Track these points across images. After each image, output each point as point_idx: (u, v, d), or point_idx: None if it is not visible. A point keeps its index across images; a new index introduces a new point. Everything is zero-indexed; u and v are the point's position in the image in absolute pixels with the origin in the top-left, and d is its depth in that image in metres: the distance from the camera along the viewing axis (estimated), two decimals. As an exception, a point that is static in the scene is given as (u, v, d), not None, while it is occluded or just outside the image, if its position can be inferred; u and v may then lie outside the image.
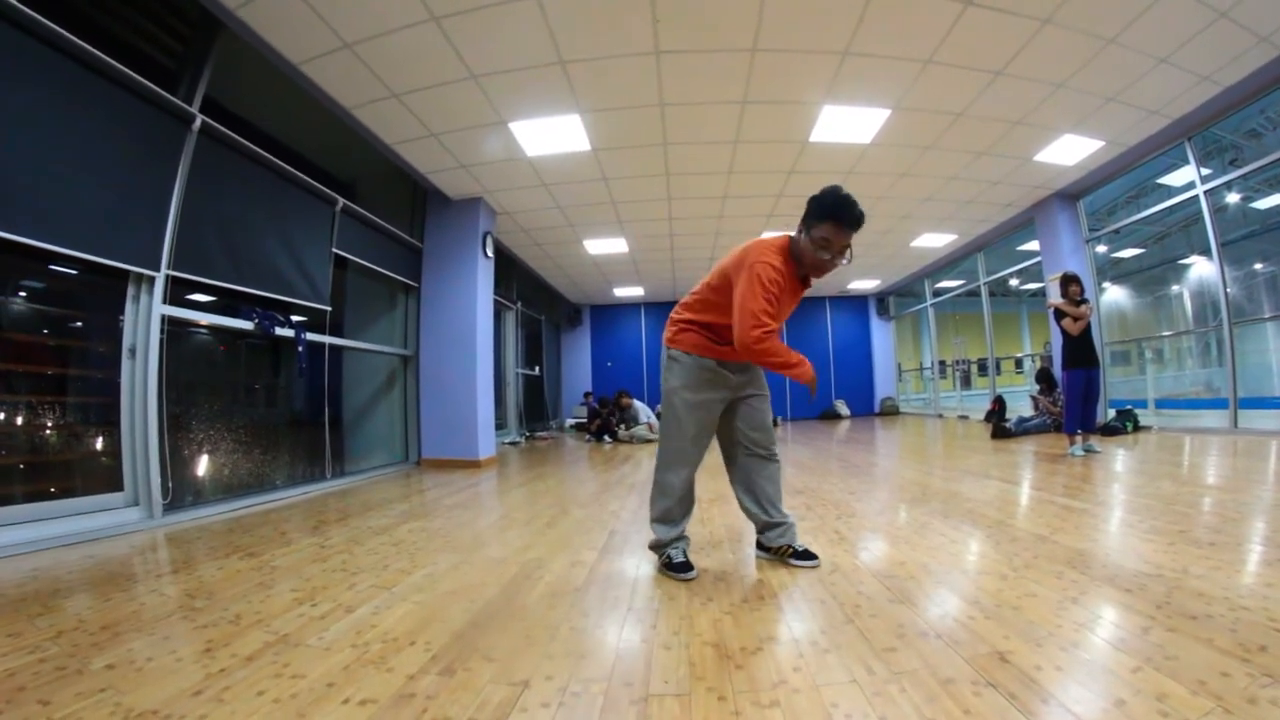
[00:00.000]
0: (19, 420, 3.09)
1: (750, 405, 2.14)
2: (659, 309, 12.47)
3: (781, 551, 2.11)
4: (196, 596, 1.96)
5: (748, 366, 2.11)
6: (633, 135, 4.93)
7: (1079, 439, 4.64)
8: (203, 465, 3.94)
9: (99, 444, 3.31)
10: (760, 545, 2.19)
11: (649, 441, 7.79)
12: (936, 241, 8.55)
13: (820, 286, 11.69)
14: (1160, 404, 7.66)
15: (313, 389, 4.98)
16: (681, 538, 2.14)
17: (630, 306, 12.72)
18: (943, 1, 3.40)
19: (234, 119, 4.00)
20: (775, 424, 2.12)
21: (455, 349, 5.97)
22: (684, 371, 2.07)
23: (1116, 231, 7.42)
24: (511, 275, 9.02)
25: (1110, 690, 1.13)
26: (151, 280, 3.29)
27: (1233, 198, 8.54)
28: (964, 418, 9.87)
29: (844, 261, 1.92)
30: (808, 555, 2.09)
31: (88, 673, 1.38)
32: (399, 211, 6.19)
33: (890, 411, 12.34)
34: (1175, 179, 7.03)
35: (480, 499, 3.94)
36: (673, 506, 2.11)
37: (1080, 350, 4.67)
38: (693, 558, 2.08)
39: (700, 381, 2.06)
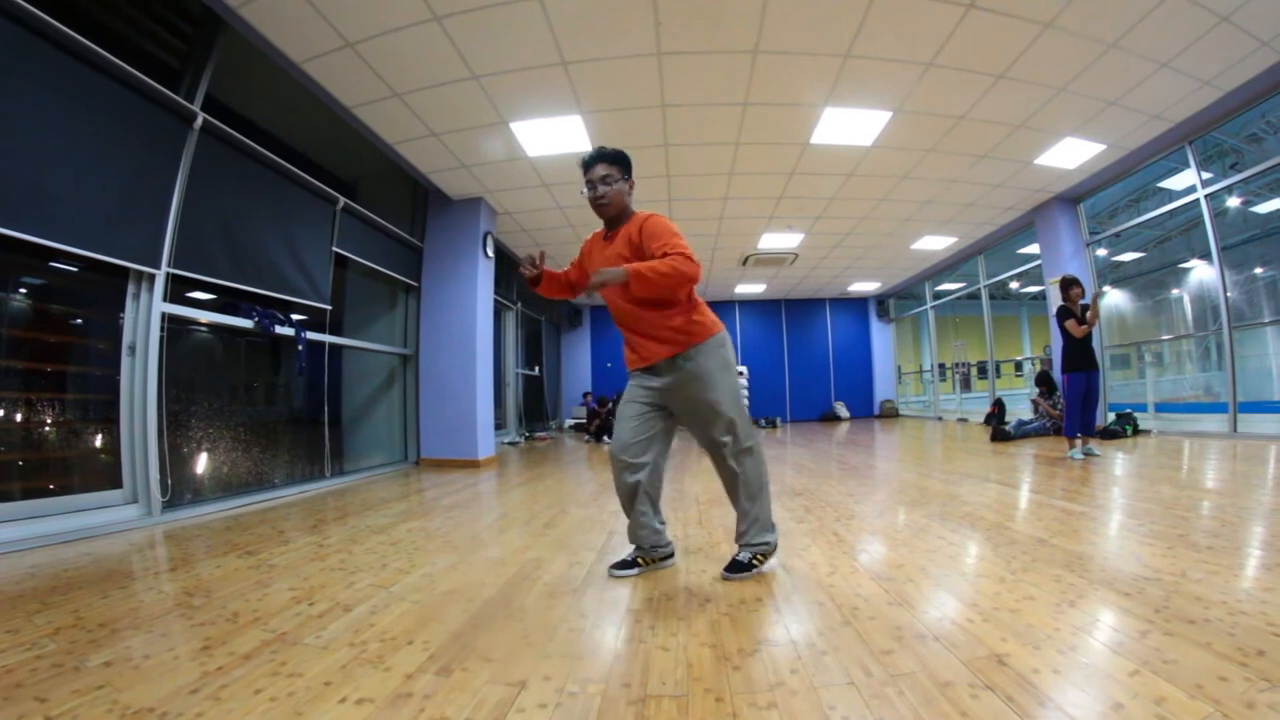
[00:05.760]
0: (19, 417, 3.09)
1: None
2: (659, 310, 12.44)
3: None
4: (194, 594, 1.96)
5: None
6: (634, 136, 4.93)
7: (1078, 442, 4.64)
8: (202, 463, 3.94)
9: (98, 441, 3.30)
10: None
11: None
12: (937, 244, 8.54)
13: (820, 289, 11.73)
14: (1160, 408, 7.66)
15: (312, 388, 4.98)
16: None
17: (630, 307, 12.70)
18: (945, 4, 3.40)
19: (235, 117, 4.01)
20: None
21: (455, 349, 5.97)
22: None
23: (1117, 235, 7.43)
24: (512, 275, 9.01)
25: (1108, 693, 1.13)
26: (152, 278, 3.29)
27: (1233, 202, 8.56)
28: (963, 420, 9.86)
29: (586, 192, 2.04)
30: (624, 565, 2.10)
31: (85, 670, 1.38)
32: (400, 211, 6.20)
33: (890, 414, 12.35)
34: (1176, 183, 7.03)
35: (479, 499, 3.94)
36: None
37: (1080, 353, 4.67)
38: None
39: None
